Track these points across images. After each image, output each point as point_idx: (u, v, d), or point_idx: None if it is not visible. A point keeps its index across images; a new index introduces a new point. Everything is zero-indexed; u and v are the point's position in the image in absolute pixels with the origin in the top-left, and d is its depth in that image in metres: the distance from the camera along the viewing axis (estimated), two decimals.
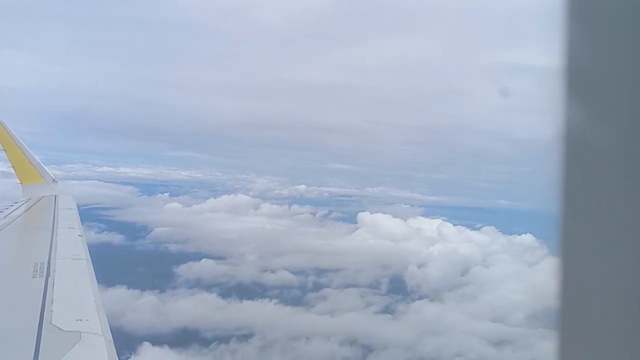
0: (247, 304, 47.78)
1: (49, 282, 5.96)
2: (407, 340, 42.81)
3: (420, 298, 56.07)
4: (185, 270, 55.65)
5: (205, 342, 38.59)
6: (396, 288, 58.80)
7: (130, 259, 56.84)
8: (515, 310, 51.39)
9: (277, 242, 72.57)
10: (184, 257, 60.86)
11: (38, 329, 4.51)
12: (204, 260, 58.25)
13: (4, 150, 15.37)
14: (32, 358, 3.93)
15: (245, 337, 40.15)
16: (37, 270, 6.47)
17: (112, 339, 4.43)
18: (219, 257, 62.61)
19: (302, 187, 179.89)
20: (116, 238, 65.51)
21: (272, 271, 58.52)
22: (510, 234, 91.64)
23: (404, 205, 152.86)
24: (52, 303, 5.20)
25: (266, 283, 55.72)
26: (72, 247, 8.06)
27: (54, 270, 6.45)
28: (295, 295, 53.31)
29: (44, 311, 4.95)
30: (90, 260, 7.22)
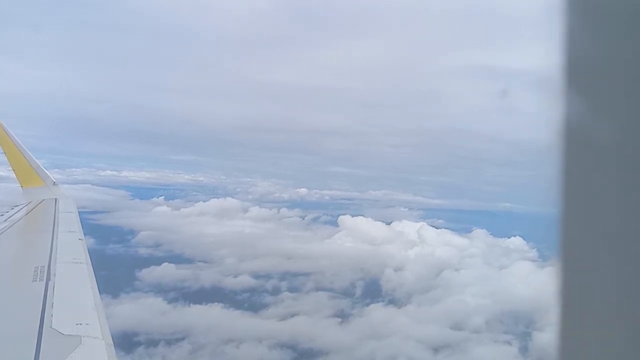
0: (194, 308, 47.63)
1: (49, 285, 5.96)
2: (347, 344, 42.75)
3: (379, 301, 55.93)
4: (146, 274, 56.15)
5: (129, 346, 39.04)
6: (359, 292, 58.71)
7: (94, 262, 57.54)
8: (469, 314, 51.10)
9: (252, 245, 72.72)
10: (150, 261, 61.37)
11: (38, 333, 4.52)
12: (164, 264, 59.00)
13: (4, 153, 15.36)
14: None
15: (176, 340, 40.61)
16: (37, 273, 6.47)
17: (112, 342, 4.47)
18: (186, 261, 63.16)
19: (303, 190, 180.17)
20: (88, 242, 66.32)
21: (235, 275, 58.82)
22: (502, 237, 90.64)
23: (403, 209, 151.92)
24: (52, 307, 5.21)
25: (225, 287, 55.50)
26: (73, 250, 8.06)
27: (54, 274, 6.46)
28: (250, 299, 53.37)
29: (44, 315, 4.96)
30: (91, 263, 7.28)
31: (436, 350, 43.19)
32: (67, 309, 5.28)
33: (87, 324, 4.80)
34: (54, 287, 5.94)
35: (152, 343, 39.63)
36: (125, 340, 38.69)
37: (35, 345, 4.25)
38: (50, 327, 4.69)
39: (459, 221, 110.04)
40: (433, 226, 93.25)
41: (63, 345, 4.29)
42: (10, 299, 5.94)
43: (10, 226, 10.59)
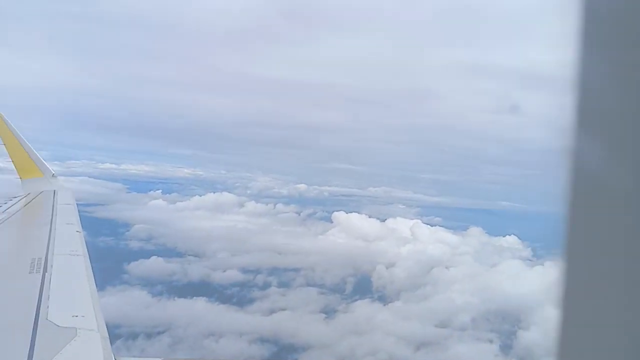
0: (179, 302, 47.66)
1: (45, 277, 5.97)
2: (329, 340, 42.77)
3: (367, 298, 55.79)
4: (134, 267, 56.29)
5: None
6: (348, 288, 58.59)
7: None
8: (455, 312, 51.08)
9: (244, 240, 72.72)
10: (141, 255, 61.38)
11: (34, 325, 4.53)
12: (153, 257, 59.24)
13: (4, 144, 15.41)
14: (27, 354, 3.96)
15: (157, 333, 40.58)
16: (34, 265, 6.49)
17: (107, 335, 4.48)
18: (176, 255, 63.13)
19: (303, 186, 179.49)
20: None
21: (224, 270, 58.83)
22: (497, 236, 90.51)
23: (401, 206, 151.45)
24: (48, 299, 5.22)
25: (213, 281, 55.59)
26: (70, 242, 8.06)
27: (51, 266, 6.48)
28: (238, 294, 53.28)
29: (40, 307, 4.98)
30: (88, 256, 7.27)
31: (417, 347, 43.19)
32: (63, 301, 5.29)
33: (83, 317, 4.81)
34: (50, 279, 5.95)
35: (132, 336, 39.69)
36: None
37: (30, 337, 4.27)
38: (46, 319, 4.70)
39: (457, 219, 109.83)
40: (429, 224, 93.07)
41: (58, 337, 4.31)
42: (6, 291, 5.95)
43: (8, 217, 10.59)
